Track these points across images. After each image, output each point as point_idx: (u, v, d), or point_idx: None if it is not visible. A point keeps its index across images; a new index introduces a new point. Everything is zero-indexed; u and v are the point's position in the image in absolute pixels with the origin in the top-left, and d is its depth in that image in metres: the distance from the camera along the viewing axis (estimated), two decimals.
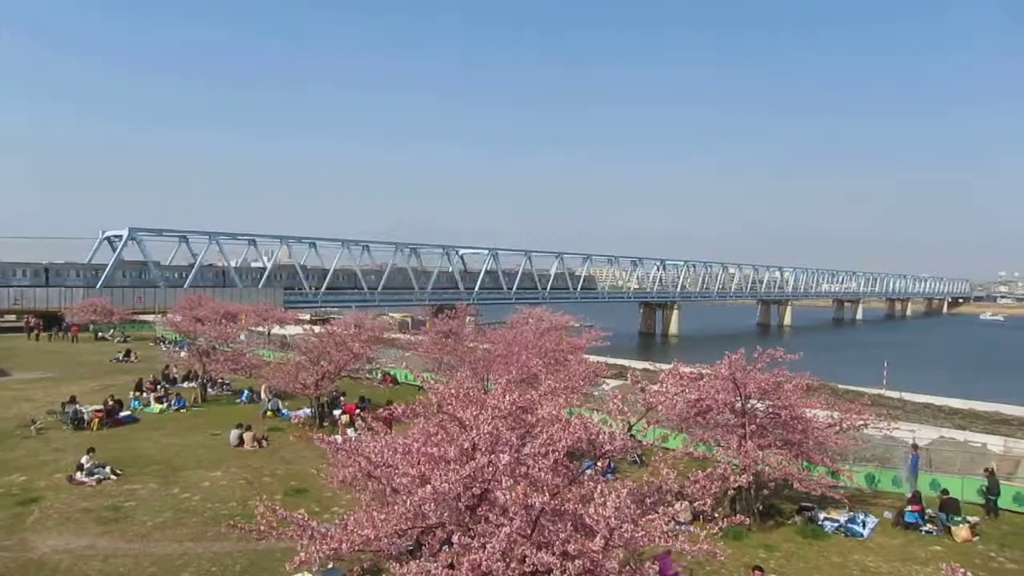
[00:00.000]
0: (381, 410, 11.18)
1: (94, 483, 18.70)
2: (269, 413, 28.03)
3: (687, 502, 10.76)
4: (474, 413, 9.66)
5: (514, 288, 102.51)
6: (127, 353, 44.16)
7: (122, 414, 26.61)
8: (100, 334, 56.12)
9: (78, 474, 18.94)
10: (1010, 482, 19.38)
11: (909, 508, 17.56)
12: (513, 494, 8.51)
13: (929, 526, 17.08)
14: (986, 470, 19.07)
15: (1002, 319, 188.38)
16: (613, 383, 27.80)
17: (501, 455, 8.83)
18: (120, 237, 73.85)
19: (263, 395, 29.27)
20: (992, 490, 18.36)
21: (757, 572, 12.34)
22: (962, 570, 6.87)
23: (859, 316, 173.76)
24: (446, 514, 9.34)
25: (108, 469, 19.40)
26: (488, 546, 8.25)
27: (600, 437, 9.66)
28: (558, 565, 8.15)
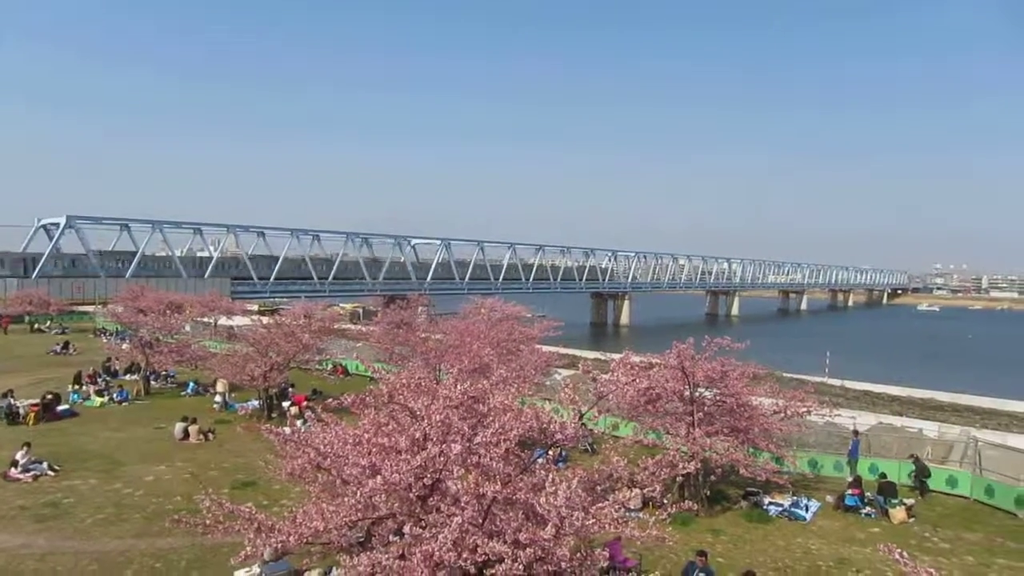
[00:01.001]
0: (331, 400, 11.01)
1: (30, 479, 18.00)
2: (214, 406, 27.42)
3: (637, 489, 10.90)
4: (425, 403, 9.59)
5: (467, 278, 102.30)
6: (65, 345, 42.62)
7: (60, 408, 25.65)
8: (36, 326, 54.04)
9: (12, 470, 18.21)
10: (943, 466, 20.22)
11: (849, 492, 18.18)
12: (465, 483, 8.49)
13: (868, 509, 17.72)
14: (911, 456, 19.88)
15: (938, 309, 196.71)
16: (565, 373, 28.01)
17: (453, 445, 8.80)
18: (57, 225, 71.10)
19: (219, 389, 28.44)
20: (922, 472, 19.14)
21: (700, 557, 12.59)
22: (898, 550, 7.09)
23: (804, 306, 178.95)
24: (397, 505, 9.28)
25: (45, 465, 18.68)
26: (440, 536, 8.22)
27: (552, 426, 9.71)
28: (510, 554, 8.17)
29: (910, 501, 18.01)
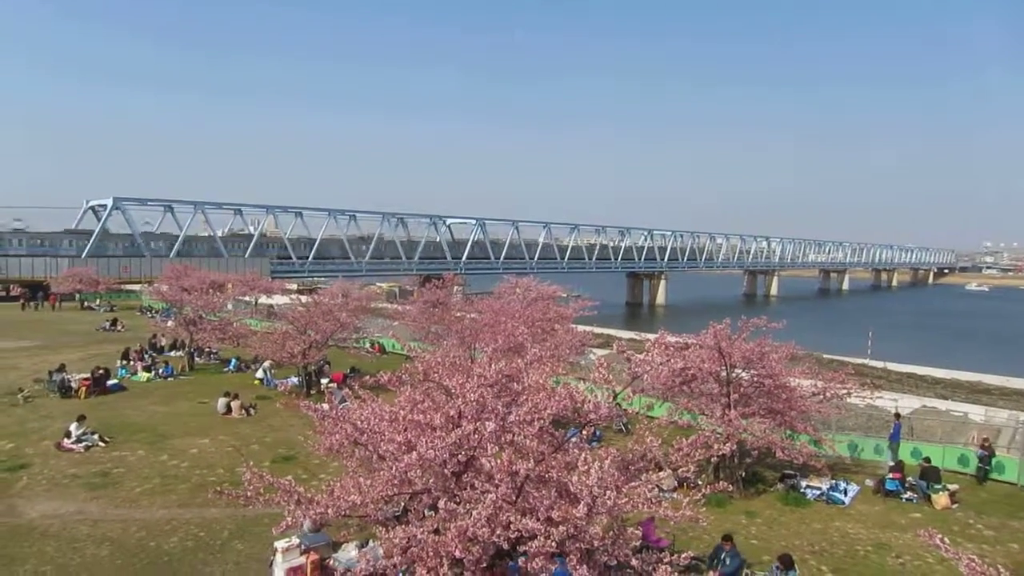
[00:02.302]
0: (368, 378, 11.21)
1: (82, 450, 18.71)
2: (256, 382, 28.07)
3: (671, 470, 10.90)
4: (460, 381, 9.69)
5: (502, 258, 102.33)
6: (113, 322, 43.93)
7: (109, 382, 26.52)
8: (86, 303, 55.77)
9: (66, 441, 18.94)
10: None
11: (890, 476, 17.86)
12: (498, 461, 8.58)
13: (909, 494, 17.38)
14: (984, 440, 19.23)
15: (987, 289, 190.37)
16: (599, 352, 27.95)
17: (487, 423, 8.89)
18: (104, 207, 72.94)
19: (265, 366, 28.95)
20: (986, 460, 18.63)
21: (727, 542, 12.52)
22: (940, 536, 6.96)
23: (845, 286, 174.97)
24: (432, 480, 9.42)
25: (96, 436, 19.39)
26: (474, 512, 8.34)
27: (585, 405, 9.72)
28: (542, 531, 8.25)
29: (954, 487, 17.61)
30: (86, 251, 69.13)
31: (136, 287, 63.58)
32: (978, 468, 18.69)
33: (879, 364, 37.99)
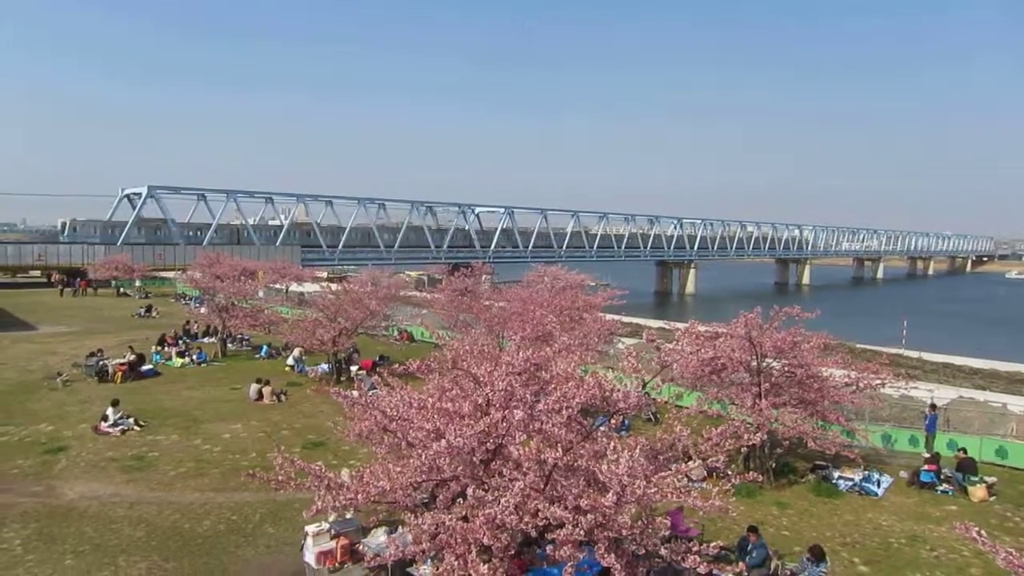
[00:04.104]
0: (397, 366, 11.26)
1: (118, 434, 19.14)
2: (287, 369, 28.42)
3: (700, 459, 10.80)
4: (489, 370, 9.68)
5: (530, 247, 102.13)
6: (148, 309, 44.78)
7: (144, 368, 27.08)
8: (122, 290, 56.93)
9: (103, 424, 19.38)
10: None
11: (925, 468, 17.53)
12: (526, 449, 8.57)
13: (945, 486, 17.05)
14: None
15: None
16: (628, 341, 27.80)
17: (515, 411, 8.88)
18: (139, 195, 74.12)
19: (296, 356, 29.27)
20: None
21: (752, 534, 12.39)
22: (976, 528, 6.79)
23: (880, 275, 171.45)
24: (460, 468, 9.45)
25: (132, 420, 19.83)
26: (502, 500, 8.35)
27: (614, 394, 9.66)
28: (571, 519, 8.24)
29: (992, 479, 17.24)
30: (121, 238, 70.45)
31: (170, 274, 64.68)
32: None
33: (914, 354, 37.29)
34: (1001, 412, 22.04)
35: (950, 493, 16.84)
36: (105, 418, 19.55)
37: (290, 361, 28.99)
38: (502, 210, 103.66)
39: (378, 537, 12.12)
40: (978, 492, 16.56)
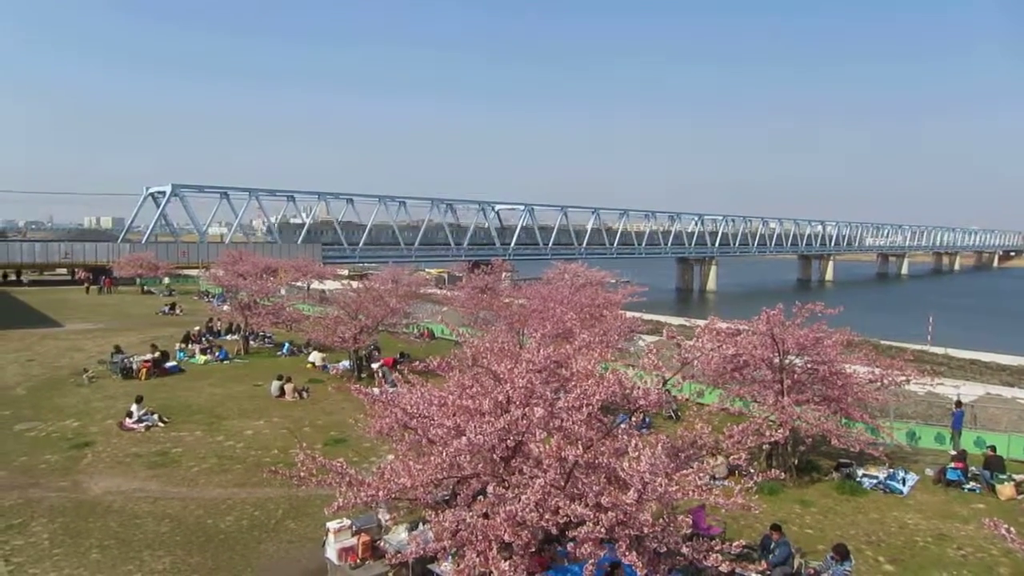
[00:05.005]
0: (417, 363, 11.30)
1: (143, 430, 19.40)
2: (309, 366, 28.62)
3: (723, 457, 10.72)
4: (509, 367, 9.68)
5: (550, 243, 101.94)
6: (172, 306, 45.37)
7: (168, 364, 27.43)
8: (146, 288, 57.72)
9: (128, 421, 19.66)
10: None
11: (952, 465, 17.27)
12: (547, 447, 8.55)
13: (972, 484, 16.77)
14: None
15: None
16: (649, 338, 27.67)
17: (535, 408, 8.86)
18: (163, 193, 75.04)
19: (317, 360, 29.47)
20: None
21: (775, 532, 12.26)
22: (1005, 526, 6.68)
23: (904, 271, 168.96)
24: (481, 465, 9.45)
25: (156, 417, 20.09)
26: (523, 497, 8.34)
27: (634, 392, 9.61)
28: (591, 516, 8.21)
29: (1020, 476, 16.93)
30: (146, 236, 71.36)
31: (194, 272, 65.47)
32: None
33: (940, 350, 36.75)
34: None
35: (977, 491, 16.57)
36: (130, 414, 19.83)
37: (312, 358, 29.23)
38: (522, 207, 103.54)
39: (399, 534, 12.16)
40: (1006, 490, 16.27)
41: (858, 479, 17.00)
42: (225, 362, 29.69)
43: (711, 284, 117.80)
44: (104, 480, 15.76)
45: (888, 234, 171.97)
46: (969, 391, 23.52)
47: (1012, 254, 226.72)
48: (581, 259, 56.29)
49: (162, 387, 24.58)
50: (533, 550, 8.90)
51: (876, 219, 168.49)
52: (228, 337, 34.55)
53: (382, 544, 11.97)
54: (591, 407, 9.10)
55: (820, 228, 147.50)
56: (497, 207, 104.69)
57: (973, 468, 17.23)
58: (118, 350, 27.63)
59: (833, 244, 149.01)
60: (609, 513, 8.22)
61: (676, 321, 40.34)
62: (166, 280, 59.46)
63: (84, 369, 25.95)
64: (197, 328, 34.17)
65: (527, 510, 8.28)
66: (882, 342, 31.93)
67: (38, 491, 15.02)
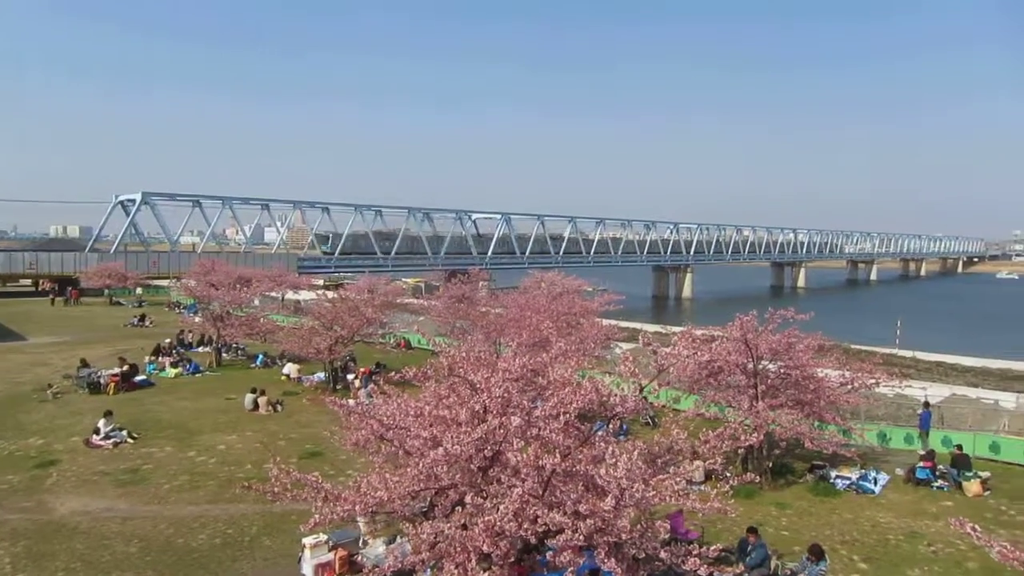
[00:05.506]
0: (394, 374, 11.21)
1: (111, 446, 18.97)
2: (283, 378, 28.29)
3: (699, 462, 10.78)
4: (485, 376, 9.64)
5: (527, 253, 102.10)
6: (142, 318, 44.58)
7: (138, 378, 26.91)
8: (115, 299, 56.63)
9: (95, 437, 19.22)
10: (1020, 436, 19.41)
11: (921, 464, 17.62)
12: (524, 456, 8.53)
13: (940, 482, 17.15)
14: None
15: (1016, 277, 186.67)
16: (625, 346, 27.79)
17: (512, 417, 8.83)
18: (133, 201, 73.70)
19: (290, 372, 29.17)
20: None
21: (752, 535, 12.39)
22: (972, 524, 6.85)
23: (873, 277, 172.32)
24: (458, 476, 9.39)
25: (125, 432, 19.66)
26: (501, 507, 8.30)
27: (611, 399, 9.64)
28: (570, 524, 8.20)
29: (985, 474, 17.34)
30: (115, 245, 70.12)
31: (165, 283, 64.38)
32: None
33: (908, 353, 37.43)
34: (993, 408, 22.17)
35: (946, 489, 16.94)
36: (97, 431, 19.38)
37: (286, 370, 28.91)
38: (499, 216, 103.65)
39: (377, 548, 12.05)
40: (973, 487, 16.66)
41: (832, 480, 17.25)
42: (197, 375, 29.22)
43: (687, 291, 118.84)
44: (70, 500, 15.35)
45: (857, 241, 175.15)
46: (936, 392, 24.02)
47: (975, 260, 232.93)
48: (558, 268, 56.27)
49: (131, 402, 24.09)
50: (512, 560, 8.86)
51: (846, 227, 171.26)
52: (200, 349, 34.02)
53: (359, 559, 11.86)
54: (568, 415, 9.11)
55: (792, 235, 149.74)
56: (474, 216, 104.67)
57: (941, 467, 17.61)
58: (85, 364, 27.08)
59: (805, 251, 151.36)
60: (588, 520, 8.22)
61: (652, 328, 40.60)
62: (139, 290, 58.38)
63: (49, 384, 25.30)
64: (168, 340, 33.62)
65: (506, 520, 8.25)
66: (852, 346, 32.40)
67: (0, 513, 14.61)
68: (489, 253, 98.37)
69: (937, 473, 17.39)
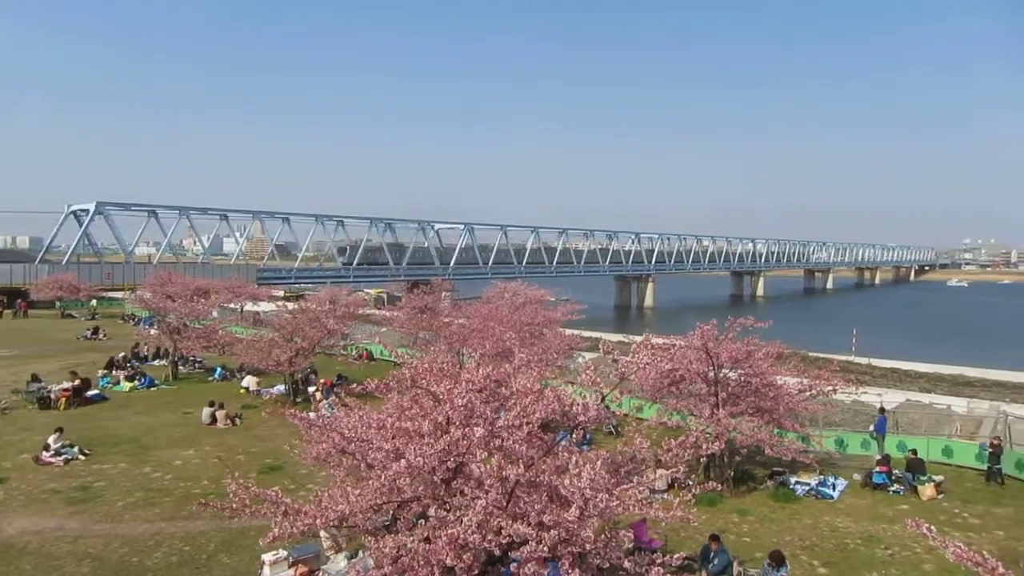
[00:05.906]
0: (355, 385, 11.06)
1: (62, 463, 18.37)
2: (242, 391, 27.76)
3: (663, 470, 10.86)
4: (448, 387, 9.56)
5: (490, 263, 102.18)
6: (95, 330, 43.37)
7: (90, 393, 26.12)
8: (67, 311, 55.00)
9: (45, 454, 18.59)
10: (973, 440, 19.97)
11: (877, 469, 18.00)
12: (488, 467, 8.48)
13: (896, 486, 17.54)
14: (995, 439, 18.52)
15: (966, 284, 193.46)
16: (588, 355, 27.93)
17: (475, 428, 8.77)
18: (87, 211, 71.85)
19: (248, 385, 28.61)
20: (995, 459, 18.07)
21: (714, 542, 12.53)
22: (927, 525, 7.01)
23: (830, 285, 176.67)
24: (421, 488, 9.29)
25: (76, 449, 19.07)
26: (465, 519, 8.22)
27: (574, 408, 9.64)
28: (534, 535, 8.16)
29: (939, 477, 17.78)
30: (67, 256, 68.24)
31: (119, 294, 62.75)
32: (988, 469, 18.28)
33: (863, 360, 38.33)
34: (946, 413, 22.79)
35: (901, 493, 17.33)
36: (47, 447, 18.75)
37: (245, 383, 28.38)
38: (462, 226, 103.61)
39: (338, 563, 11.86)
40: (927, 491, 17.07)
41: (792, 486, 17.51)
42: (152, 389, 28.50)
43: (648, 300, 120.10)
44: (18, 520, 14.79)
45: (814, 251, 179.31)
46: (891, 398, 24.61)
47: (926, 268, 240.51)
48: (521, 278, 56.44)
49: (83, 417, 23.37)
50: (476, 573, 8.77)
51: (803, 237, 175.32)
52: (156, 362, 33.23)
53: (320, 574, 11.65)
54: (531, 425, 9.08)
55: (751, 245, 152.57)
56: (437, 226, 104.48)
57: (897, 471, 18.02)
58: (35, 378, 26.23)
59: (763, 261, 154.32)
60: (552, 531, 8.19)
61: (615, 337, 40.81)
62: (93, 302, 56.72)
63: None
64: (122, 353, 32.73)
65: (469, 532, 8.18)
66: (810, 353, 33.05)
67: None
68: (452, 263, 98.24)
69: (893, 478, 17.80)
